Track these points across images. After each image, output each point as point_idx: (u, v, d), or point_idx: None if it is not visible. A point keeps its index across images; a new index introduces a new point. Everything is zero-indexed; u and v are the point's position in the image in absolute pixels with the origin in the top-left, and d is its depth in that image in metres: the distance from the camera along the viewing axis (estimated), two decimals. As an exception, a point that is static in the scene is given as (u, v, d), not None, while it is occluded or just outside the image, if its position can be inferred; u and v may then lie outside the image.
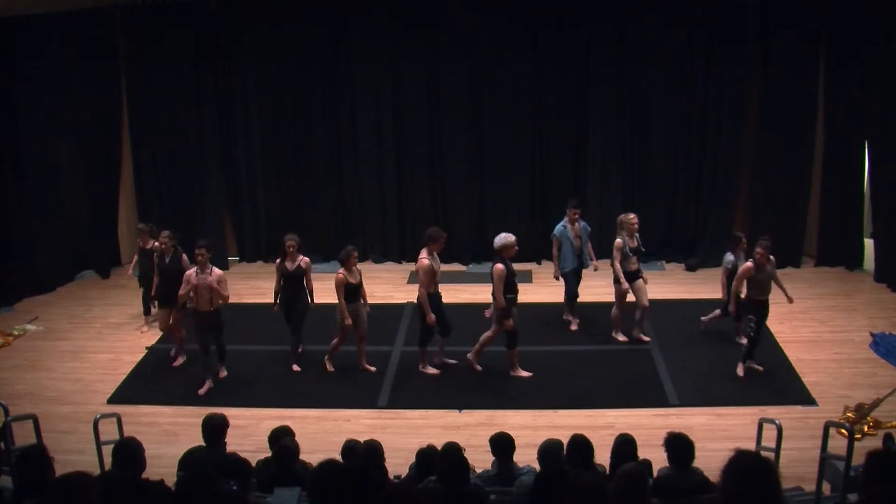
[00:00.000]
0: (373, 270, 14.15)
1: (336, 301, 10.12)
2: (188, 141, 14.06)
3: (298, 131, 14.11)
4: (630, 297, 10.77)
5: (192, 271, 9.89)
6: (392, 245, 14.50)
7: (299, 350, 10.68)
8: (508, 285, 9.95)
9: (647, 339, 10.96)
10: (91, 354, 11.12)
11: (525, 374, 10.33)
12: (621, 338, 10.97)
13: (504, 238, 10.03)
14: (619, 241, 10.67)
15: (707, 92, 13.51)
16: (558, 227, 11.27)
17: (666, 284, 12.94)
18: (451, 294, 12.56)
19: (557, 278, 11.30)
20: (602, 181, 14.02)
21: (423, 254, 10.18)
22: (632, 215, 10.92)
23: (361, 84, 13.83)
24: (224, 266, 13.97)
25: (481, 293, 12.63)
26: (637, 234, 10.87)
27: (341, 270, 10.08)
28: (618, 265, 10.64)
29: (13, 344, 11.71)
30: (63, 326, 12.17)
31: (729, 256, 10.54)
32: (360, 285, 10.24)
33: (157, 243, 10.91)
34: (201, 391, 10.11)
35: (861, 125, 13.06)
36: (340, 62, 13.78)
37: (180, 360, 10.72)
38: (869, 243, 13.55)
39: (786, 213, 13.65)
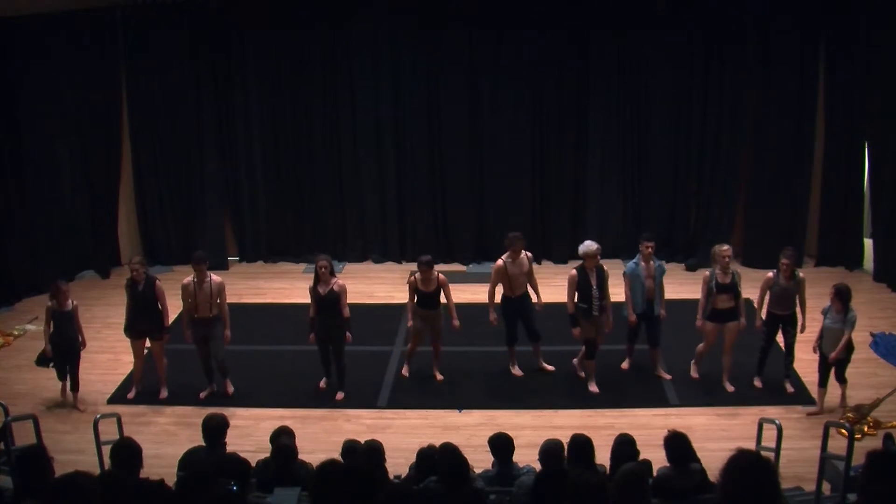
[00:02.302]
0: (373, 270, 14.17)
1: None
2: (188, 140, 14.05)
3: (298, 131, 14.11)
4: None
5: (188, 280, 9.81)
6: (392, 245, 14.49)
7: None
8: (583, 294, 9.74)
9: (731, 388, 9.96)
10: (91, 354, 11.07)
11: (594, 389, 10.09)
12: (694, 374, 10.19)
13: (585, 246, 9.78)
14: (706, 273, 9.84)
15: (707, 92, 13.51)
16: (629, 265, 10.10)
17: (666, 284, 12.87)
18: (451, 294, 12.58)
19: (633, 322, 10.04)
20: (602, 181, 14.02)
21: (503, 256, 10.15)
22: (725, 247, 9.85)
23: (361, 84, 13.81)
24: (224, 266, 13.99)
25: (481, 293, 12.62)
26: (734, 271, 9.80)
27: (416, 275, 9.98)
28: (701, 300, 9.81)
29: (13, 344, 11.71)
30: (63, 326, 12.15)
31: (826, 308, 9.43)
32: (434, 294, 9.96)
33: (72, 302, 9.87)
34: (202, 395, 10.09)
35: (861, 125, 13.05)
36: (340, 62, 13.78)
37: (164, 392, 10.17)
38: (869, 243, 13.55)
39: (786, 213, 13.65)
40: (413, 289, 10.00)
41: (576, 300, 9.77)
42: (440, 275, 10.02)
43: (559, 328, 10.42)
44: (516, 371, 10.49)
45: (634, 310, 9.95)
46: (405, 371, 10.46)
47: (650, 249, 9.93)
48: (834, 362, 9.27)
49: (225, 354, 9.99)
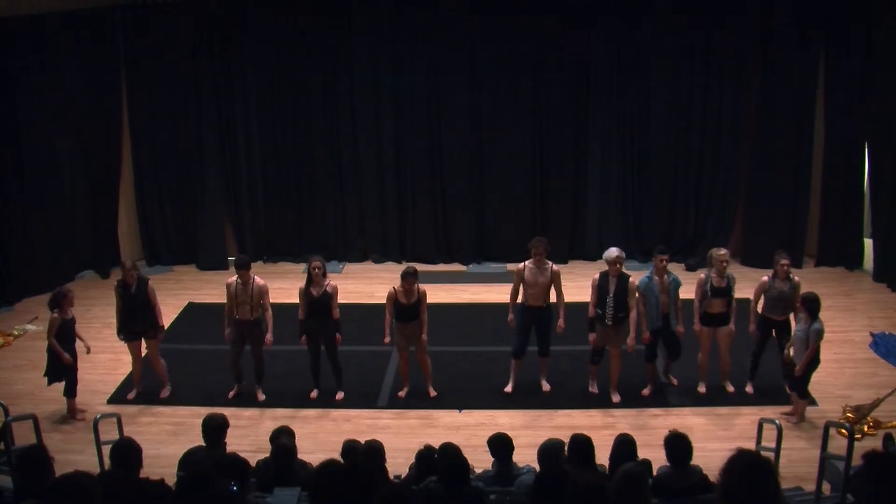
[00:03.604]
0: (373, 270, 14.18)
1: None
2: (188, 140, 14.07)
3: (298, 131, 14.12)
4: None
5: (232, 280, 9.82)
6: (392, 245, 14.50)
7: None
8: (598, 300, 9.50)
9: (731, 389, 9.92)
10: (91, 354, 11.08)
11: (593, 390, 9.99)
12: (702, 389, 9.93)
13: (606, 253, 9.58)
14: (701, 276, 9.68)
15: (707, 92, 13.54)
16: (642, 280, 9.65)
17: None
18: (451, 294, 12.59)
19: (646, 339, 9.69)
20: (602, 181, 14.03)
21: (527, 260, 9.84)
22: (723, 251, 9.65)
23: (361, 83, 13.83)
24: (224, 266, 14.00)
25: (481, 293, 12.66)
26: (730, 275, 9.61)
27: (396, 287, 9.77)
28: (696, 304, 9.66)
29: (13, 344, 11.71)
30: (63, 326, 12.14)
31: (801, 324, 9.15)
32: (413, 307, 9.70)
33: (70, 311, 9.65)
34: (230, 395, 10.06)
35: (861, 125, 13.06)
36: (341, 61, 13.79)
37: (167, 391, 10.17)
38: (869, 243, 13.56)
39: (786, 213, 13.66)
40: (392, 301, 9.77)
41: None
42: (419, 286, 9.73)
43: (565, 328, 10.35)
44: (508, 388, 10.10)
45: (649, 325, 9.61)
46: (403, 393, 10.12)
47: (664, 263, 9.56)
48: (798, 377, 9.11)
49: (264, 358, 9.98)
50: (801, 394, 9.29)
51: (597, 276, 9.64)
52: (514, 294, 9.99)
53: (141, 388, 10.21)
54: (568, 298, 10.01)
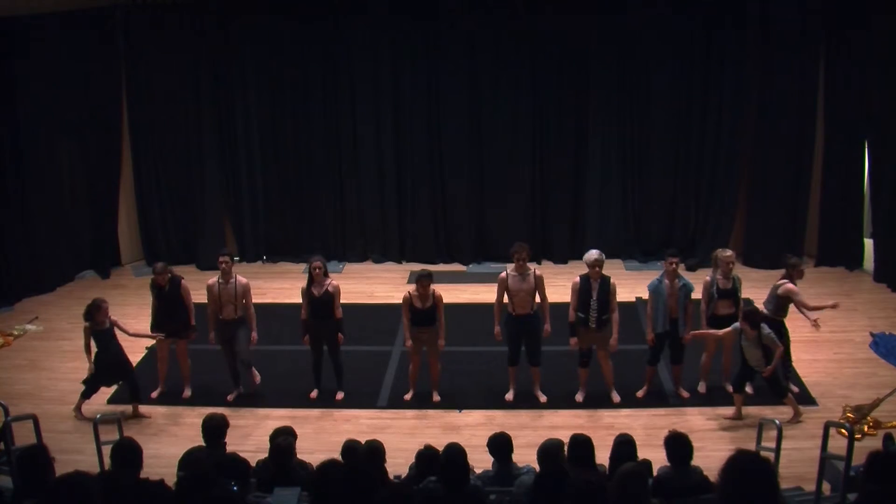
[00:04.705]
0: (373, 270, 14.18)
1: None
2: (188, 140, 14.07)
3: (298, 130, 14.12)
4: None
5: (213, 281, 9.82)
6: (392, 245, 14.49)
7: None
8: (581, 304, 9.44)
9: (731, 389, 9.68)
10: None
11: (580, 398, 9.90)
12: (702, 388, 9.90)
13: (586, 255, 9.49)
14: (707, 278, 9.63)
15: (707, 92, 13.52)
16: (652, 282, 9.59)
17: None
18: (451, 294, 12.56)
19: (650, 341, 9.67)
20: (602, 181, 14.02)
21: (508, 268, 9.73)
22: (728, 252, 9.61)
23: (361, 83, 13.83)
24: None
25: (481, 293, 12.65)
26: (735, 276, 9.61)
27: (410, 292, 9.59)
28: (702, 305, 9.57)
29: (13, 344, 11.71)
30: (63, 326, 12.16)
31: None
32: (430, 311, 9.52)
33: (108, 319, 9.66)
34: (230, 398, 10.03)
35: (861, 125, 13.06)
36: (340, 61, 13.79)
37: (188, 391, 10.15)
38: (869, 243, 13.55)
39: (786, 213, 13.65)
40: (407, 305, 9.58)
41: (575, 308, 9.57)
42: (435, 291, 9.61)
43: (554, 329, 10.35)
44: (509, 396, 10.02)
45: (655, 329, 9.55)
46: (408, 396, 10.05)
47: (674, 266, 9.42)
48: (769, 377, 9.07)
49: (251, 357, 9.95)
50: (782, 394, 9.27)
51: (577, 279, 9.56)
52: (499, 304, 9.77)
53: (165, 388, 10.18)
54: (566, 298, 9.95)
